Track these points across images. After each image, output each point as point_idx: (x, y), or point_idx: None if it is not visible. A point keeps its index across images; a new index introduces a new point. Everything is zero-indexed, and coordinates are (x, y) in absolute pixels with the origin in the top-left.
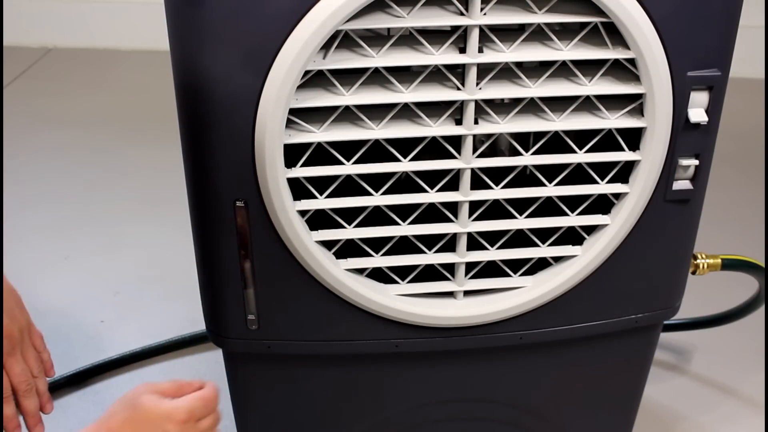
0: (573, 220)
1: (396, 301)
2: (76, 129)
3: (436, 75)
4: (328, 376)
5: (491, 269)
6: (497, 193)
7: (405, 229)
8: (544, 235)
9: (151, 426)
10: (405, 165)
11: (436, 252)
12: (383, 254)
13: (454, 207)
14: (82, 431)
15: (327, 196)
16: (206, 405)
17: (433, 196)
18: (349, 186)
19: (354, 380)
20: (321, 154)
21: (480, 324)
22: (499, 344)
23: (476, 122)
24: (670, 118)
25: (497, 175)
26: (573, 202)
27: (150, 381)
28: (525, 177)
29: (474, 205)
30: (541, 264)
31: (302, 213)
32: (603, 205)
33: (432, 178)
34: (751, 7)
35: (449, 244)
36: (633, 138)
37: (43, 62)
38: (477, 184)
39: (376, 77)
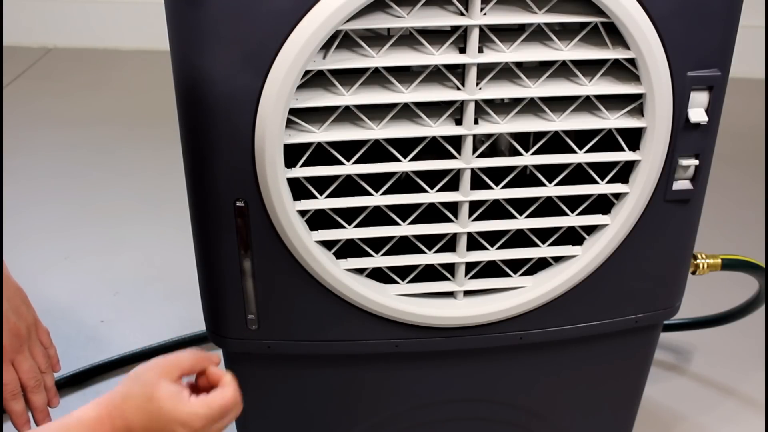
0: (573, 220)
1: (396, 301)
2: (76, 129)
3: (436, 75)
4: (328, 376)
5: (491, 269)
6: (497, 193)
7: (405, 229)
8: (544, 235)
9: (163, 424)
10: (405, 165)
11: (436, 252)
12: (383, 254)
13: (454, 207)
14: (96, 402)
15: (327, 196)
16: (224, 413)
17: (433, 196)
18: (349, 186)
19: (354, 380)
20: (321, 154)
21: (480, 324)
22: (499, 344)
23: (476, 122)
24: (670, 118)
25: (497, 175)
26: (573, 202)
27: None
28: (525, 177)
29: (474, 205)
30: (541, 264)
31: (302, 213)
32: (603, 205)
33: (432, 178)
34: (751, 7)
35: (449, 244)
36: (633, 138)
37: (43, 62)
38: (477, 184)
39: (376, 77)
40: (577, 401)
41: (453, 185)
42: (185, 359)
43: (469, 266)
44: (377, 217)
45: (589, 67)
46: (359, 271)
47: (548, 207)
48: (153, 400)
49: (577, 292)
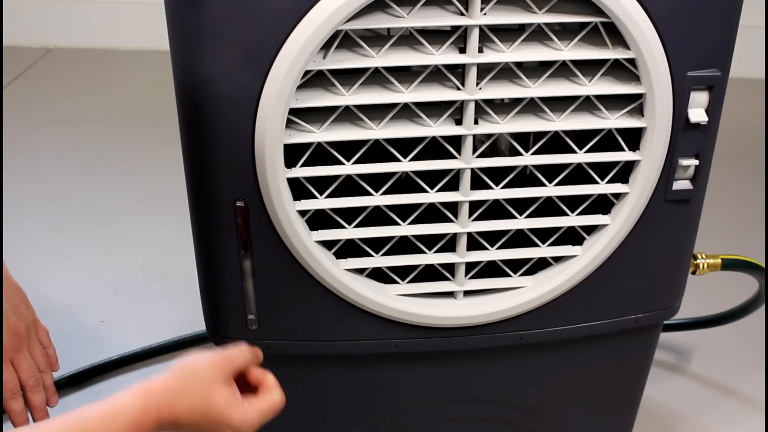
0: (573, 220)
1: (396, 301)
2: (76, 129)
3: (436, 75)
4: (328, 376)
5: (491, 269)
6: (497, 193)
7: (405, 229)
8: (544, 235)
9: (213, 426)
10: (405, 165)
11: (436, 252)
12: (383, 254)
13: (454, 207)
14: (139, 393)
15: (327, 196)
16: (270, 417)
17: (433, 196)
18: (349, 186)
19: (354, 380)
20: (321, 154)
21: (480, 324)
22: (500, 344)
23: (476, 122)
24: (670, 118)
25: (497, 175)
26: (573, 202)
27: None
28: (525, 177)
29: (474, 205)
30: (541, 264)
31: (302, 213)
32: (603, 205)
33: (432, 178)
34: (751, 7)
35: (449, 244)
36: (633, 138)
37: (43, 62)
38: (477, 184)
39: (376, 77)
40: (577, 401)
41: (453, 185)
42: (238, 358)
43: (469, 266)
44: (377, 217)
45: (589, 67)
46: (359, 271)
47: (548, 207)
48: (208, 403)
49: (577, 292)
